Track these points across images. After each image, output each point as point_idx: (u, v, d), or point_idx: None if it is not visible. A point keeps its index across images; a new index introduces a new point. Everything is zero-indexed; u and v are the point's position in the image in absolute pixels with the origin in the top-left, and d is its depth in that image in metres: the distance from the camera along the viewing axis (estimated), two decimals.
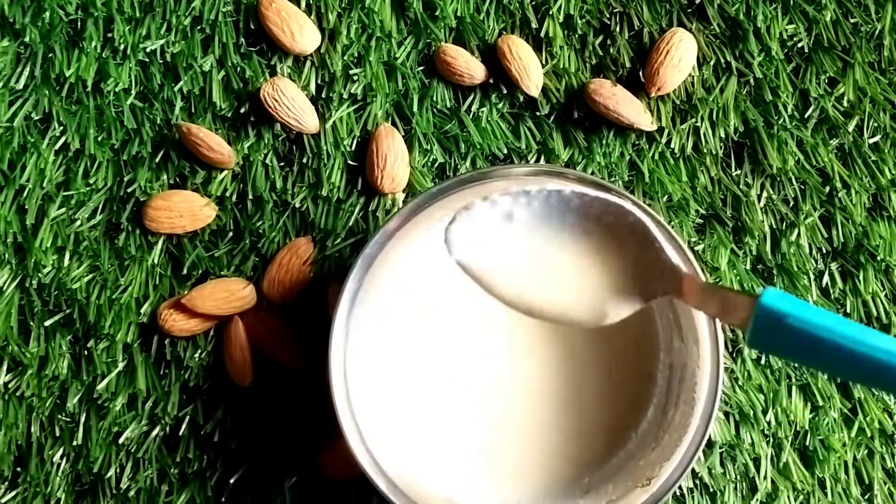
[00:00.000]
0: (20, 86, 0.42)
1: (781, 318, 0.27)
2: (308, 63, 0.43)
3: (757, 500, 0.41)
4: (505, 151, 0.42)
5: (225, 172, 0.42)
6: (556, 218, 0.33)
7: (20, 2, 0.42)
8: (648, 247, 0.32)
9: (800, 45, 0.42)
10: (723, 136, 0.42)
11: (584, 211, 0.33)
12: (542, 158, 0.42)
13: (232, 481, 0.41)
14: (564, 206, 0.33)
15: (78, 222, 0.42)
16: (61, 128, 0.42)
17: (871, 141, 0.42)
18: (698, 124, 0.42)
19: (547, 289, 0.33)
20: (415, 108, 0.42)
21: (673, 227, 0.40)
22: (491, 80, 0.42)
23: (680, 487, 0.41)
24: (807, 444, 0.41)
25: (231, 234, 0.42)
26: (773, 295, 0.27)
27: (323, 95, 0.42)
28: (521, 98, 0.43)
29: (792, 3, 0.42)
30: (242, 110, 0.42)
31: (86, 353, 0.41)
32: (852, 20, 0.43)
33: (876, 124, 0.42)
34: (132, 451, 0.41)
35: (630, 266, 0.33)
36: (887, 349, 0.26)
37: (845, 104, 0.42)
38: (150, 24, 0.42)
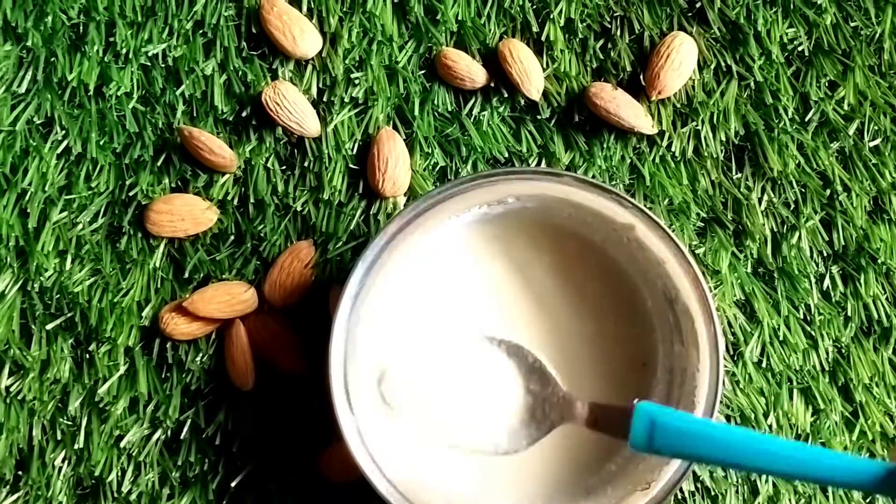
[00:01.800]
0: (22, 90, 0.42)
1: (654, 419, 0.32)
2: (309, 67, 0.43)
3: (758, 503, 0.41)
4: (506, 155, 0.42)
5: (226, 176, 0.42)
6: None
7: (23, 6, 0.43)
8: (545, 381, 0.37)
9: (800, 48, 0.42)
10: (723, 139, 0.42)
11: (494, 348, 0.38)
12: (544, 162, 0.42)
13: (233, 485, 0.41)
14: (476, 346, 0.38)
15: (80, 226, 0.42)
16: (63, 132, 0.42)
17: (872, 144, 0.42)
18: (699, 128, 0.42)
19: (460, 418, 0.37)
20: (416, 112, 0.42)
21: (674, 231, 0.40)
22: (492, 84, 0.42)
23: (681, 490, 0.41)
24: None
25: (232, 237, 0.42)
26: (644, 404, 0.33)
27: (324, 99, 0.42)
28: (522, 102, 0.43)
29: (792, 6, 0.43)
30: (244, 114, 0.42)
31: (87, 356, 0.41)
32: (852, 24, 0.43)
33: (876, 127, 0.42)
34: (133, 454, 0.41)
35: (532, 399, 0.37)
36: (749, 434, 0.31)
37: (846, 107, 0.42)
38: (152, 28, 0.43)
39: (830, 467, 0.30)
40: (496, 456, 0.37)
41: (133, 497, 0.41)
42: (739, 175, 0.42)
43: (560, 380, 0.37)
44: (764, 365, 0.42)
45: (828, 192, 0.42)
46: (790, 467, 0.31)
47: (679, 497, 0.41)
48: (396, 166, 0.41)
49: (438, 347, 0.38)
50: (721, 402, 0.39)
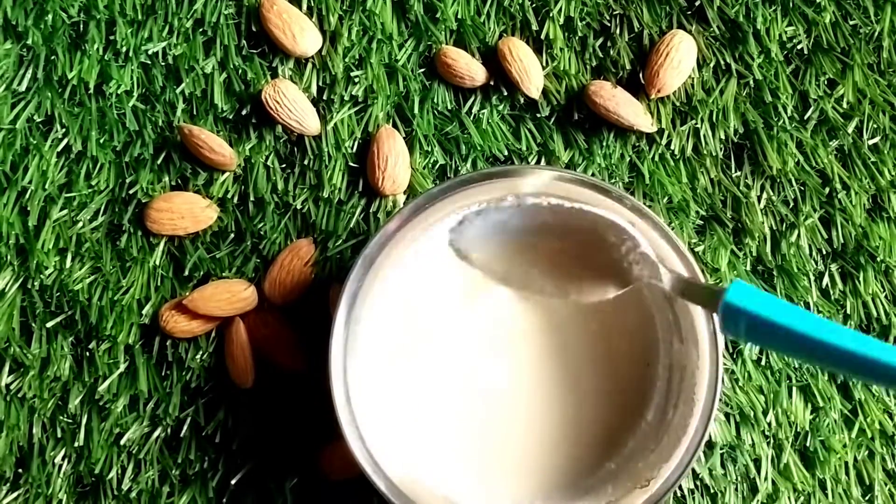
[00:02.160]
0: (22, 88, 0.42)
1: (746, 307, 0.31)
2: (309, 65, 0.43)
3: (757, 500, 0.41)
4: (506, 153, 0.42)
5: (226, 174, 0.42)
6: (537, 221, 0.37)
7: (23, 4, 0.43)
8: (628, 240, 0.35)
9: (799, 46, 0.43)
10: (723, 137, 0.42)
11: (563, 219, 0.37)
12: (543, 160, 0.42)
13: (233, 482, 0.41)
14: (545, 213, 0.37)
15: (80, 224, 0.42)
16: (63, 130, 0.42)
17: (871, 142, 0.42)
18: (698, 126, 0.42)
19: (547, 273, 0.37)
20: (416, 110, 0.42)
21: (673, 229, 0.40)
22: (491, 82, 0.42)
23: (680, 488, 0.41)
24: (807, 445, 0.41)
25: (232, 235, 0.42)
26: (738, 286, 0.31)
27: (324, 97, 0.42)
28: (522, 100, 0.43)
29: (791, 4, 0.43)
30: (244, 112, 0.42)
31: (87, 354, 0.41)
32: (851, 22, 0.43)
33: (875, 126, 0.42)
34: (133, 452, 0.41)
35: (612, 254, 0.36)
36: (843, 333, 0.29)
37: (845, 106, 0.42)
38: (152, 26, 0.43)
39: None
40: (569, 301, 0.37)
41: (133, 495, 0.41)
42: (739, 173, 0.42)
43: (556, 372, 0.37)
44: (763, 363, 0.42)
45: (827, 190, 0.42)
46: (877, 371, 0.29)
47: (678, 495, 0.41)
48: (396, 164, 0.41)
49: (438, 348, 0.38)
50: (720, 399, 0.39)
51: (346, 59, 0.43)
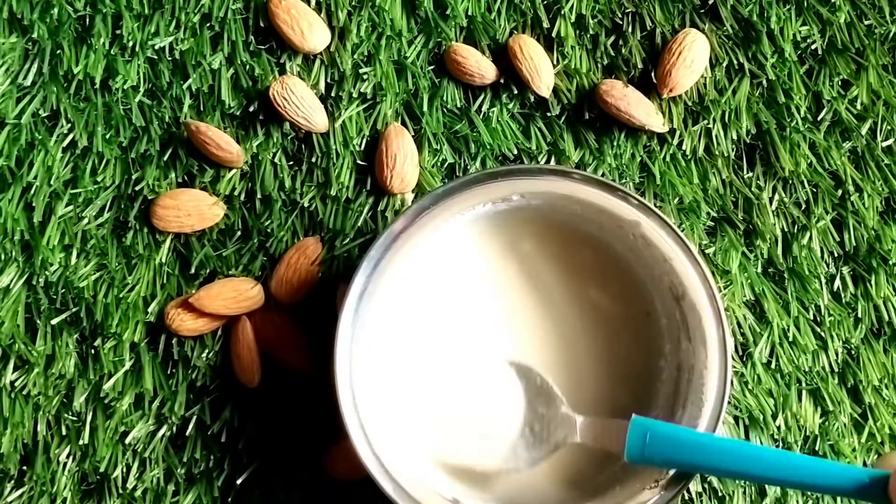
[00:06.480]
0: (28, 82, 0.42)
1: (647, 431, 0.34)
2: (317, 61, 0.42)
3: None
4: (515, 152, 0.42)
5: (233, 171, 0.42)
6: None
7: None
8: (549, 399, 0.37)
9: (813, 46, 0.42)
10: (735, 137, 0.42)
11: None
12: (553, 159, 0.42)
13: (239, 481, 0.41)
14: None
15: (85, 220, 0.42)
16: (69, 125, 0.42)
17: (885, 144, 0.42)
18: (710, 126, 0.42)
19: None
20: (425, 108, 0.42)
21: (683, 230, 0.40)
22: (501, 80, 0.42)
23: (688, 491, 0.41)
24: (816, 448, 0.41)
25: (239, 233, 0.42)
26: (640, 419, 0.34)
27: (332, 94, 0.42)
28: (532, 98, 0.42)
29: (806, 4, 0.42)
30: (251, 109, 0.42)
31: (92, 351, 0.41)
32: (866, 22, 0.42)
33: (889, 127, 0.42)
34: (139, 450, 0.41)
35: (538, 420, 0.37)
36: (737, 442, 0.34)
37: (858, 107, 0.42)
38: (159, 21, 0.42)
39: (815, 474, 0.32)
40: (497, 469, 0.37)
41: (138, 493, 0.41)
42: (750, 174, 0.42)
43: (562, 372, 0.37)
44: (773, 366, 0.41)
45: (839, 192, 0.42)
46: (778, 474, 0.32)
47: (686, 497, 0.41)
48: (404, 163, 0.41)
49: (445, 347, 0.38)
50: (729, 402, 0.39)
51: (355, 56, 0.42)
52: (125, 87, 0.42)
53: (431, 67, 0.42)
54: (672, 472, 0.35)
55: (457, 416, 0.38)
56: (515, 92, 0.42)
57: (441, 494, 0.37)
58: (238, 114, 0.42)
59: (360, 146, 0.42)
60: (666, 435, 0.34)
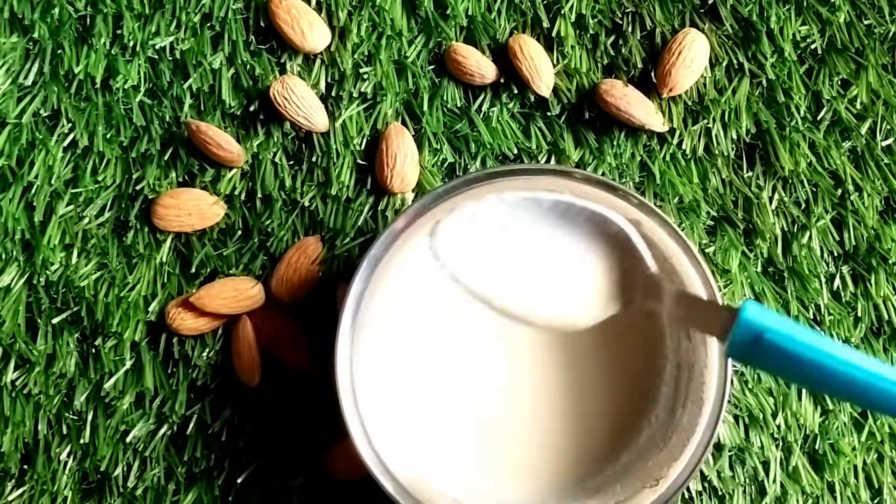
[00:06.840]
0: (29, 82, 0.42)
1: (760, 334, 0.28)
2: (318, 61, 0.42)
3: (766, 503, 0.41)
4: (515, 151, 0.42)
5: (234, 171, 0.42)
6: (544, 224, 0.36)
7: None
8: (630, 256, 0.35)
9: (813, 46, 0.42)
10: (734, 137, 0.42)
11: (572, 218, 0.36)
12: (553, 159, 0.42)
13: (239, 480, 0.41)
14: (553, 214, 0.36)
15: (86, 219, 0.42)
16: (70, 124, 0.42)
17: (884, 144, 0.42)
18: (710, 125, 0.42)
19: (529, 292, 0.36)
20: (425, 108, 0.42)
21: (683, 230, 0.40)
22: (502, 80, 0.42)
23: (689, 490, 0.41)
24: (816, 447, 0.41)
25: (240, 232, 0.42)
26: (752, 310, 0.28)
27: (333, 94, 0.42)
28: (532, 98, 0.42)
29: (805, 4, 0.42)
30: (252, 108, 0.42)
31: (93, 350, 0.41)
32: (866, 22, 0.42)
33: (889, 127, 0.42)
34: (139, 449, 0.41)
35: (612, 273, 0.35)
36: (865, 369, 0.27)
37: (858, 106, 0.42)
38: (160, 20, 0.42)
39: None
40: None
41: (139, 492, 0.41)
42: (750, 174, 0.42)
43: (563, 371, 0.37)
44: None
45: (839, 191, 0.42)
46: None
47: (686, 496, 0.41)
48: (405, 162, 0.41)
49: (444, 348, 0.38)
50: (729, 401, 0.39)
51: (355, 56, 0.42)
52: (126, 86, 0.42)
53: (431, 67, 0.42)
54: (674, 472, 0.35)
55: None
56: (515, 91, 0.42)
57: (442, 493, 0.37)
58: (238, 113, 0.42)
59: (360, 146, 0.42)
60: (783, 347, 0.27)
